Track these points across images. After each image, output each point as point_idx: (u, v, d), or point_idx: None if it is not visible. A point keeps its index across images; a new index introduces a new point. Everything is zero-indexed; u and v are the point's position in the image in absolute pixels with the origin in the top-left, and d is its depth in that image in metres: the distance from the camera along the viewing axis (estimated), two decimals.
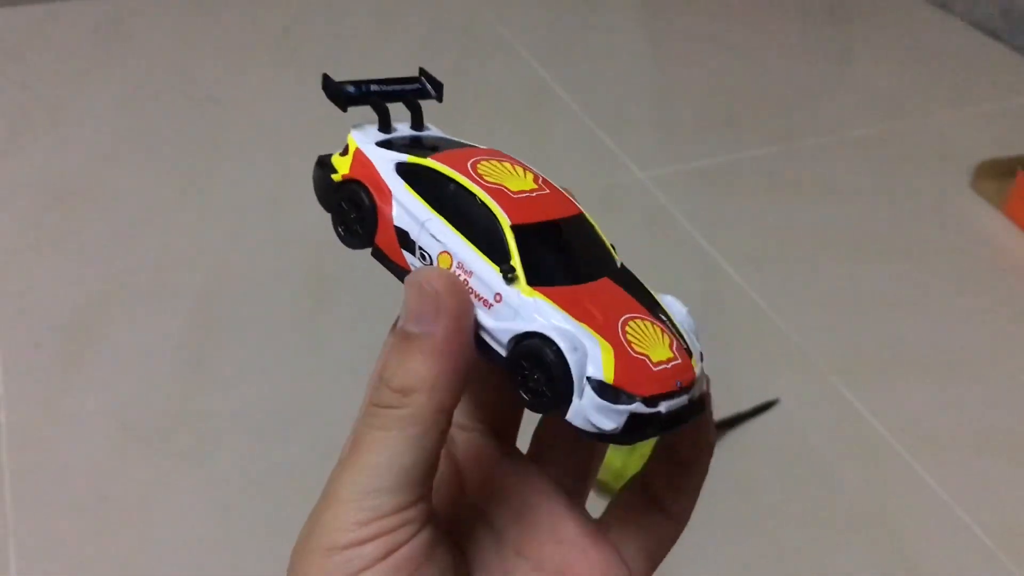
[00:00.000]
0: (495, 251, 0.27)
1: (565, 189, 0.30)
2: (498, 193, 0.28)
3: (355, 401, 0.29)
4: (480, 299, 0.27)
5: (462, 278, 0.27)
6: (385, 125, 0.32)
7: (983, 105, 1.23)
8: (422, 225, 0.29)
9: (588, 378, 0.26)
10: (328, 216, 0.32)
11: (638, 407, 0.26)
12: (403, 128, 0.32)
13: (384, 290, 0.91)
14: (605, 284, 0.28)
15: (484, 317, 0.27)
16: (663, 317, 0.28)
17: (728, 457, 0.74)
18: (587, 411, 0.26)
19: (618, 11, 1.44)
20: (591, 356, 0.26)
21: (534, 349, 0.26)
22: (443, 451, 0.29)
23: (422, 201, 0.29)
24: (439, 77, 0.33)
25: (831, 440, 0.76)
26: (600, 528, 0.31)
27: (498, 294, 0.27)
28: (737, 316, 0.88)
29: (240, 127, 1.11)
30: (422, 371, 0.27)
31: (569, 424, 0.26)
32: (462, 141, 0.32)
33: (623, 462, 0.66)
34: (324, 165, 0.32)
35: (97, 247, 0.92)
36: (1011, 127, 1.18)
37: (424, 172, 0.29)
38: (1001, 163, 1.06)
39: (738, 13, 1.45)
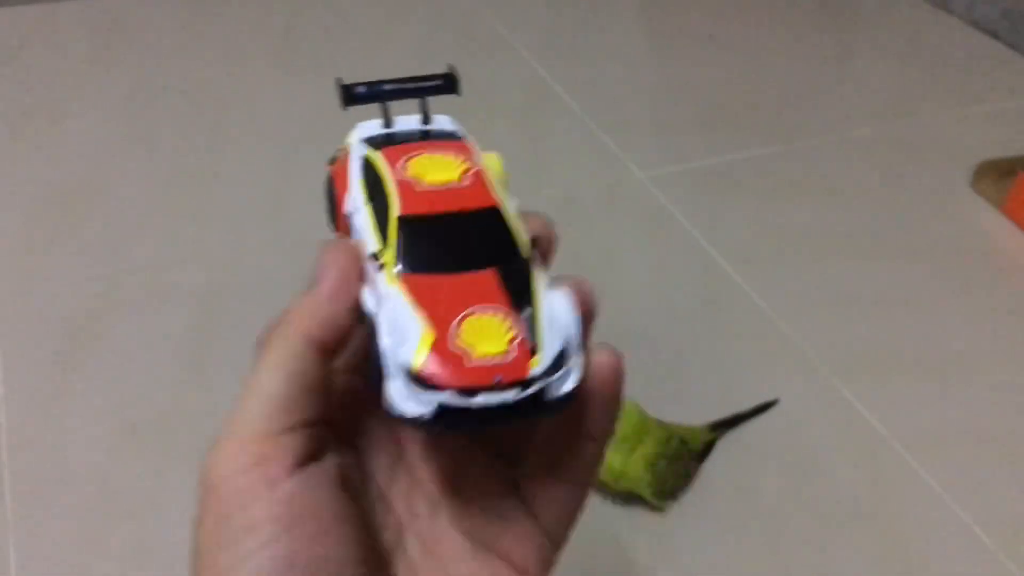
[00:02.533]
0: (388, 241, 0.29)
1: (495, 179, 0.31)
2: (405, 186, 0.30)
3: None
4: (369, 282, 0.29)
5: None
6: (386, 121, 0.33)
7: (983, 105, 1.23)
8: (354, 214, 0.31)
9: (401, 364, 0.27)
10: (323, 215, 0.34)
11: (448, 397, 0.26)
12: (409, 122, 0.34)
13: None
14: (483, 276, 0.28)
15: (367, 298, 0.29)
16: (526, 313, 0.28)
17: (727, 457, 0.74)
18: (394, 396, 0.27)
19: (618, 11, 1.44)
20: (408, 342, 0.27)
21: (367, 330, 0.28)
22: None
23: (363, 192, 0.31)
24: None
25: (831, 440, 0.76)
26: (524, 500, 0.32)
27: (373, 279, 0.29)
28: (737, 316, 0.88)
29: (240, 127, 1.11)
30: (292, 305, 0.29)
31: (384, 408, 0.27)
32: (456, 133, 0.33)
33: (623, 463, 0.66)
34: (331, 162, 0.34)
35: (97, 247, 0.92)
36: (1011, 127, 1.18)
37: (369, 165, 0.31)
38: (1001, 163, 1.06)
39: (738, 13, 1.45)
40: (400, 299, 0.27)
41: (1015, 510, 0.71)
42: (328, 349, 0.29)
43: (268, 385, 0.28)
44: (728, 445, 0.74)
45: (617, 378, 0.30)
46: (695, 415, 0.76)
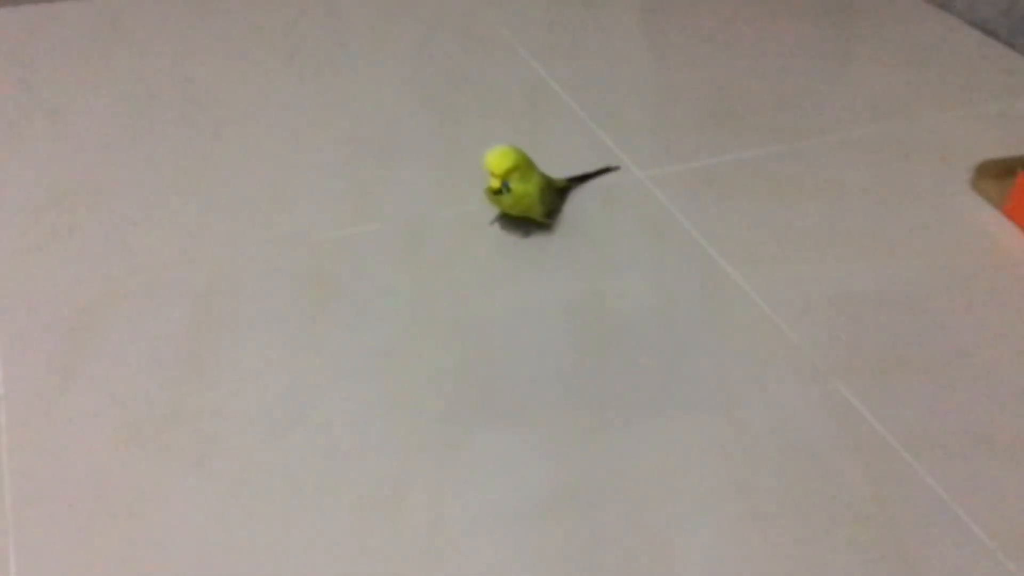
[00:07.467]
0: None
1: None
2: None
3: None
4: None
5: None
6: None
7: (983, 105, 1.24)
8: None
9: None
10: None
11: None
12: None
13: (384, 290, 0.91)
14: None
15: None
16: None
17: (727, 456, 0.74)
18: None
19: (618, 11, 1.44)
20: None
21: None
22: None
23: None
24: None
25: (831, 440, 0.76)
26: None
27: None
28: (737, 316, 0.88)
29: (241, 127, 1.11)
30: None
31: None
32: None
33: (524, 189, 0.91)
34: None
35: (97, 247, 0.92)
36: (1011, 127, 1.18)
37: None
38: (1001, 163, 1.06)
39: (738, 13, 1.45)
40: None
41: (1015, 510, 0.71)
42: None
43: None
44: (727, 443, 0.75)
45: None
46: (695, 414, 0.76)
